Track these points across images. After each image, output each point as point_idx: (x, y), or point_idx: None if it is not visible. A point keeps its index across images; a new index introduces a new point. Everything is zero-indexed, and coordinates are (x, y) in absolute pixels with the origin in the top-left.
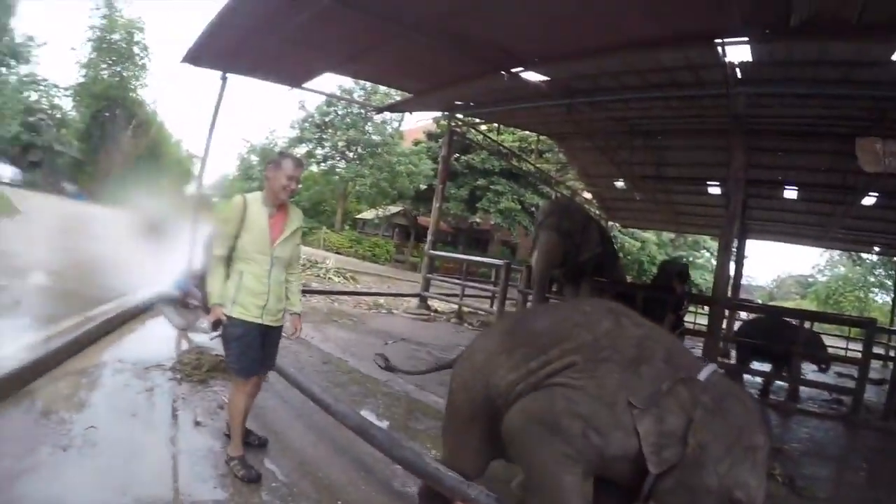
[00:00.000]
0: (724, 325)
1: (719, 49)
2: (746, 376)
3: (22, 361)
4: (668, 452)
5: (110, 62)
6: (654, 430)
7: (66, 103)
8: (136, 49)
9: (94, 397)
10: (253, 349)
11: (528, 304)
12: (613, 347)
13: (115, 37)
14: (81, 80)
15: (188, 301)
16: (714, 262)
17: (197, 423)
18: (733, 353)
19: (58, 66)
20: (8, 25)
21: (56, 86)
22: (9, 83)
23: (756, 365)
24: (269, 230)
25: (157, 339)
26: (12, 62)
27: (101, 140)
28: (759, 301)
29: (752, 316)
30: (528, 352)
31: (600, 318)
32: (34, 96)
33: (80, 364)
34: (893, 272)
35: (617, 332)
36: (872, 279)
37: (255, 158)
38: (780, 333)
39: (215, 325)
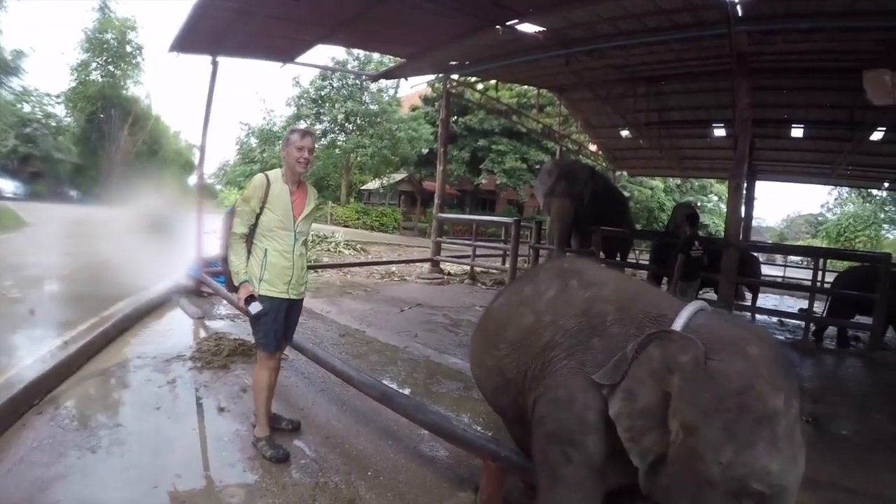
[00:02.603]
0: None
1: None
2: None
3: (42, 369)
4: (649, 439)
5: (102, 62)
6: (624, 410)
7: (60, 110)
8: (128, 48)
9: (118, 395)
10: (279, 324)
11: (541, 260)
12: (555, 325)
13: (108, 36)
14: (73, 84)
15: (201, 289)
16: (723, 205)
17: (221, 409)
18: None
19: (47, 74)
20: None
21: (48, 94)
22: (1, 97)
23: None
24: (291, 207)
25: (175, 330)
26: (2, 77)
27: (98, 142)
28: (770, 242)
29: (850, 266)
30: (483, 342)
31: (547, 286)
32: (27, 108)
33: (101, 364)
34: None
35: (560, 301)
36: (883, 216)
37: (254, 141)
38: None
39: (248, 300)
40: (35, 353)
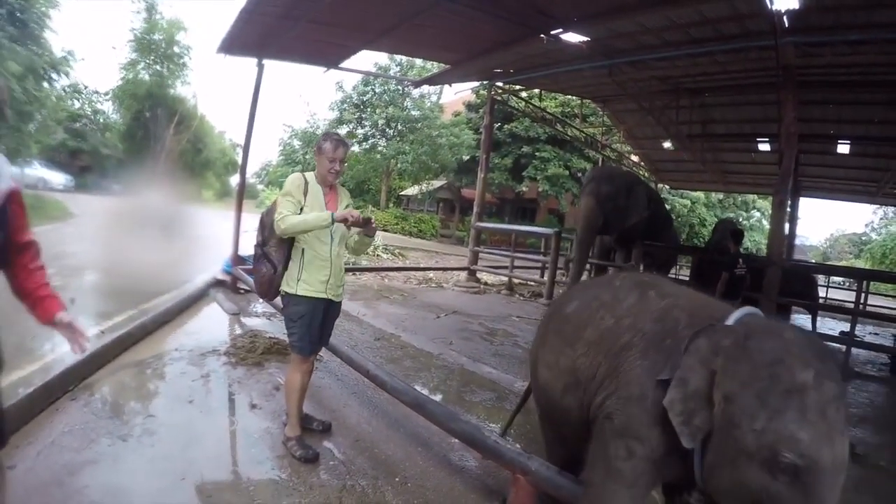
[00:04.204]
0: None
1: None
2: None
3: (78, 357)
4: (699, 418)
5: (150, 62)
6: (677, 396)
7: (108, 107)
8: (176, 49)
9: (152, 386)
10: (315, 327)
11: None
12: (634, 328)
13: (156, 37)
14: (121, 82)
15: (238, 286)
16: (765, 222)
17: (253, 406)
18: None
19: (98, 70)
20: (42, 38)
21: (97, 91)
22: (51, 96)
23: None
24: (326, 207)
25: (211, 325)
26: (53, 76)
27: (144, 140)
28: (813, 261)
29: None
30: (557, 343)
31: (626, 293)
32: (77, 104)
33: (137, 355)
34: None
35: (639, 308)
36: None
37: (297, 143)
38: None
39: (367, 220)
40: None
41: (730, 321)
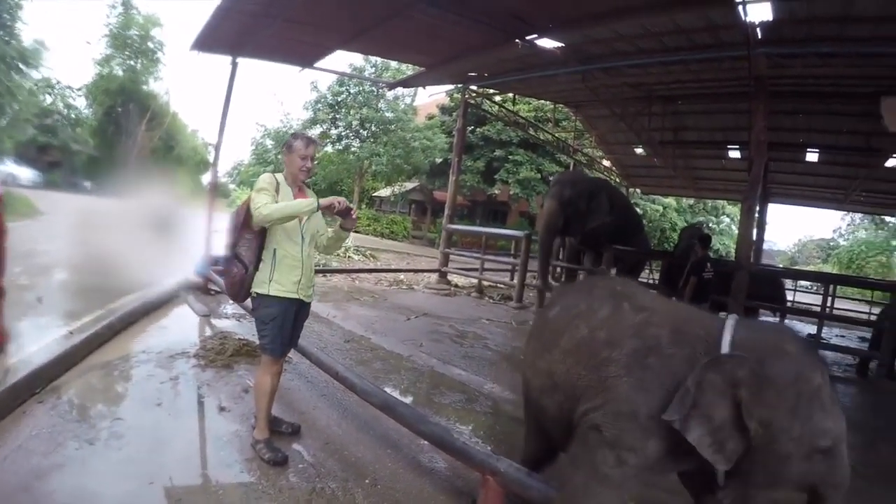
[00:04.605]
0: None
1: (739, 9)
2: None
3: (45, 358)
4: (732, 444)
5: (125, 57)
6: (705, 432)
7: (81, 103)
8: (150, 44)
9: (119, 389)
10: (287, 328)
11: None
12: (611, 344)
13: (131, 33)
14: (95, 77)
15: (209, 287)
16: (734, 227)
17: (222, 409)
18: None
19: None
20: (14, 30)
21: (70, 87)
22: (23, 88)
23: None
24: None
25: (181, 327)
26: (23, 67)
27: (115, 135)
28: (781, 265)
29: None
30: (536, 346)
31: (600, 304)
32: (49, 99)
33: (105, 357)
34: None
35: (613, 321)
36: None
37: (269, 143)
38: None
39: (346, 211)
40: (40, 342)
41: (725, 341)
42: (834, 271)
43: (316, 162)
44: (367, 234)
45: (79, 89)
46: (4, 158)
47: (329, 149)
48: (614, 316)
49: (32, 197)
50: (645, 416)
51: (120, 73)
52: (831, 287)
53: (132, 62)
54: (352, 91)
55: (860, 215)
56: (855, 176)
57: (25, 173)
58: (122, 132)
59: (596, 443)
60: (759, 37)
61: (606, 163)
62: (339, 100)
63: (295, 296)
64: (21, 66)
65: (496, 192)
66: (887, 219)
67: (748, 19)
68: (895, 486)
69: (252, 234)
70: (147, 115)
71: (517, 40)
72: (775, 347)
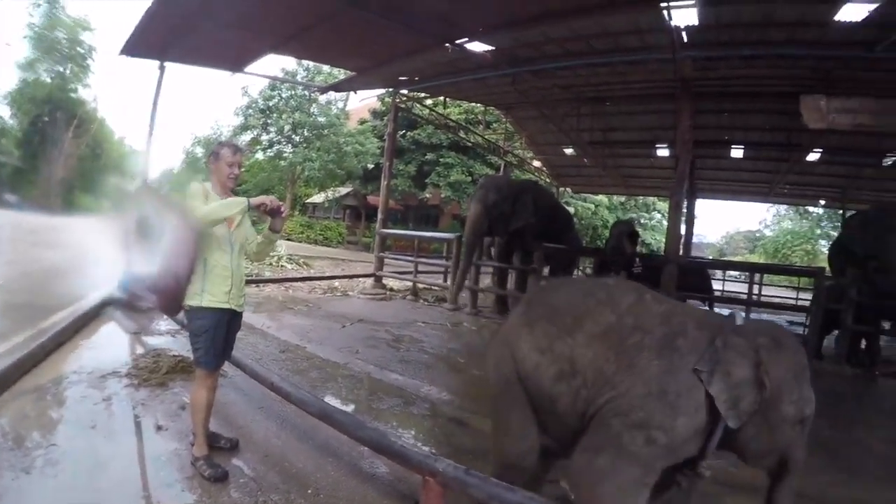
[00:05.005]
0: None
1: (665, 13)
2: None
3: None
4: (746, 402)
5: (52, 62)
6: (725, 385)
7: (4, 111)
8: (80, 49)
9: (52, 413)
10: (219, 339)
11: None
12: (640, 328)
13: (58, 34)
14: (19, 84)
15: (138, 303)
16: (665, 223)
17: (159, 428)
18: None
19: None
20: None
21: None
22: None
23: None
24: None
25: (111, 345)
26: None
27: (41, 145)
28: (710, 257)
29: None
30: (549, 329)
31: (623, 294)
32: None
33: (35, 380)
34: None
35: (640, 309)
36: (819, 231)
37: (200, 150)
38: None
39: (277, 210)
40: None
41: (739, 322)
42: (761, 261)
43: (244, 169)
44: (301, 242)
45: (4, 97)
46: None
47: (260, 155)
48: (639, 304)
49: None
50: (674, 393)
51: (48, 79)
52: (758, 275)
53: (60, 68)
54: (284, 96)
55: (785, 207)
56: (778, 170)
57: None
58: (47, 141)
59: (622, 427)
60: (685, 40)
61: (537, 163)
62: (271, 104)
63: (227, 305)
64: None
65: (428, 195)
66: (810, 209)
67: (674, 23)
68: (827, 459)
69: (182, 245)
70: (74, 123)
71: (447, 44)
72: (778, 329)
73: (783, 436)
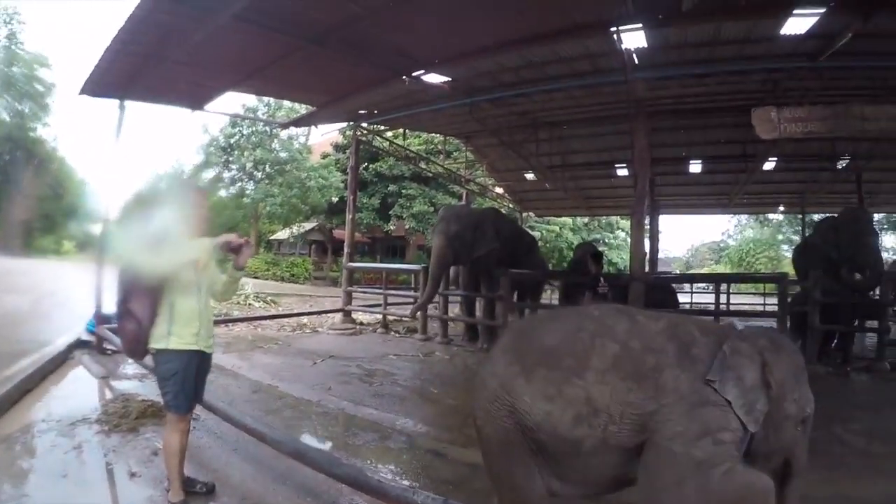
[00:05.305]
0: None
1: (615, 37)
2: None
3: None
4: (760, 405)
5: (10, 99)
6: (740, 391)
7: None
8: (39, 86)
9: (22, 463)
10: (189, 382)
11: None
12: (650, 350)
13: (15, 70)
14: None
15: (105, 347)
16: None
17: (132, 475)
18: None
19: None
20: None
21: None
22: None
23: None
24: None
25: (79, 391)
26: None
27: (1, 186)
28: (677, 271)
29: None
30: (552, 375)
31: (614, 320)
32: None
33: (3, 429)
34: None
35: (640, 331)
36: (781, 237)
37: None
38: None
39: (238, 247)
40: None
41: (740, 329)
42: (726, 270)
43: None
44: (268, 279)
45: None
46: None
47: (223, 193)
48: (636, 327)
49: None
50: (714, 401)
51: (6, 118)
52: (722, 286)
53: (19, 106)
54: (245, 132)
55: (745, 216)
56: (736, 181)
57: None
58: (7, 181)
59: (685, 446)
60: (636, 62)
61: (499, 190)
62: (232, 141)
63: (195, 347)
64: None
65: (392, 227)
66: (770, 216)
67: (624, 47)
68: (808, 456)
69: (145, 288)
70: (35, 162)
71: (404, 77)
72: (772, 334)
73: (787, 435)
